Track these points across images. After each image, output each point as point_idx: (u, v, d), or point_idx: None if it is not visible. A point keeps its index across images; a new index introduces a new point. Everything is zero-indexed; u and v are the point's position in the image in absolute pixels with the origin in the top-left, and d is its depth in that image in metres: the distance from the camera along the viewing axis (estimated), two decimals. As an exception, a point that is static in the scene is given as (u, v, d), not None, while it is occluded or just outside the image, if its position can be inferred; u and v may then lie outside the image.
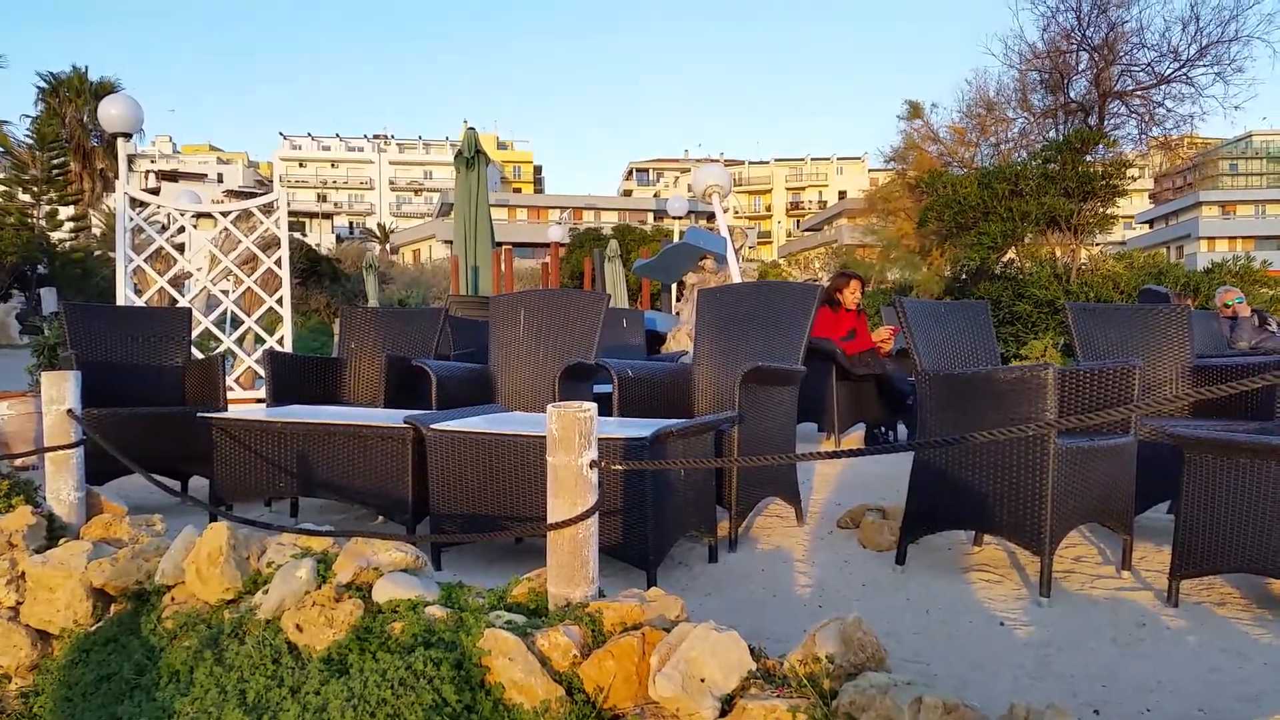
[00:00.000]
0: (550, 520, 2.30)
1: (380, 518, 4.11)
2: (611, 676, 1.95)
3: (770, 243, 75.52)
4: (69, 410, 3.50)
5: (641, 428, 3.04)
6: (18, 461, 5.15)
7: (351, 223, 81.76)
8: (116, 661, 2.63)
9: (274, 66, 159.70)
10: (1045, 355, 12.64)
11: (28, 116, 35.67)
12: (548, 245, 20.56)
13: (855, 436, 6.01)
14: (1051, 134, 20.69)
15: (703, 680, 1.86)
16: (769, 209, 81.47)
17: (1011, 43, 31.74)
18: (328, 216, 79.63)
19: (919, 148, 26.07)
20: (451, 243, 14.06)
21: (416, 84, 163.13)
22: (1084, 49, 20.34)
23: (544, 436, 3.05)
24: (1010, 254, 17.40)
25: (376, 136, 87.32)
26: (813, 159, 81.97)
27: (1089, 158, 16.10)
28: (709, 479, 3.44)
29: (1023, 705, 1.79)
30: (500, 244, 14.05)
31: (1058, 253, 16.75)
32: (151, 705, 2.31)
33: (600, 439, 2.39)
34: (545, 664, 2.02)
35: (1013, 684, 2.31)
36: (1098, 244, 18.87)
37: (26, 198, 34.10)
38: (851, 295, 6.20)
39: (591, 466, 2.29)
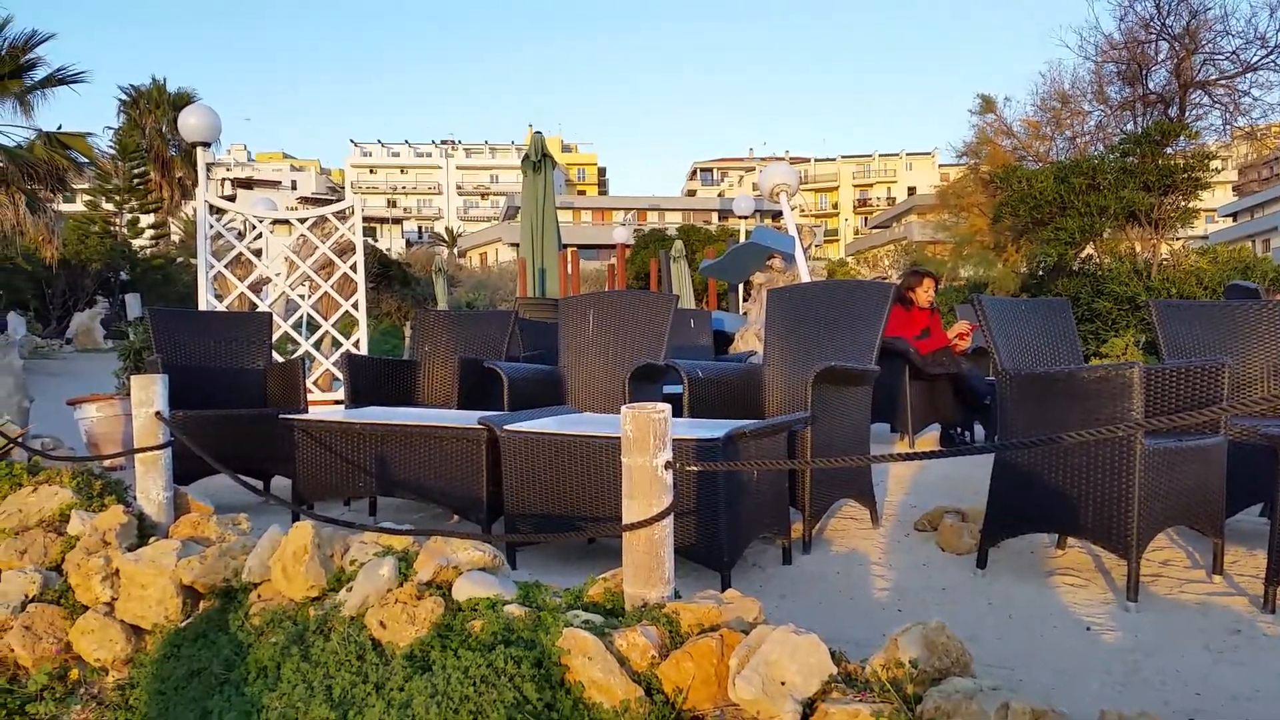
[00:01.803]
0: (626, 521, 2.31)
1: (455, 517, 4.17)
2: (690, 678, 1.94)
3: (837, 240, 74.65)
4: (157, 412, 3.62)
5: (713, 429, 3.04)
6: (107, 462, 5.35)
7: (420, 227, 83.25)
8: (206, 657, 2.71)
9: (345, 74, 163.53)
10: (1126, 353, 12.26)
11: (110, 128, 37.07)
12: (613, 247, 20.64)
13: (930, 437, 5.90)
14: (1130, 126, 20.04)
15: (783, 683, 1.84)
16: (835, 206, 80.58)
17: (1087, 34, 30.90)
18: (397, 222, 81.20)
19: (992, 142, 25.46)
20: (518, 245, 14.21)
21: (482, 89, 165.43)
22: (1164, 38, 19.66)
23: (616, 438, 3.08)
24: (1088, 250, 16.91)
25: (444, 142, 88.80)
26: (880, 155, 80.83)
27: (1169, 150, 15.55)
28: (782, 480, 3.41)
29: (1114, 712, 1.74)
30: (566, 246, 14.16)
31: (1138, 248, 16.21)
32: (240, 700, 2.39)
33: (673, 440, 2.39)
34: (624, 664, 2.02)
35: (1101, 691, 2.24)
36: (1179, 238, 18.21)
37: (110, 207, 35.49)
38: (925, 293, 6.09)
39: (666, 468, 2.29)
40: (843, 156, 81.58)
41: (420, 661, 2.20)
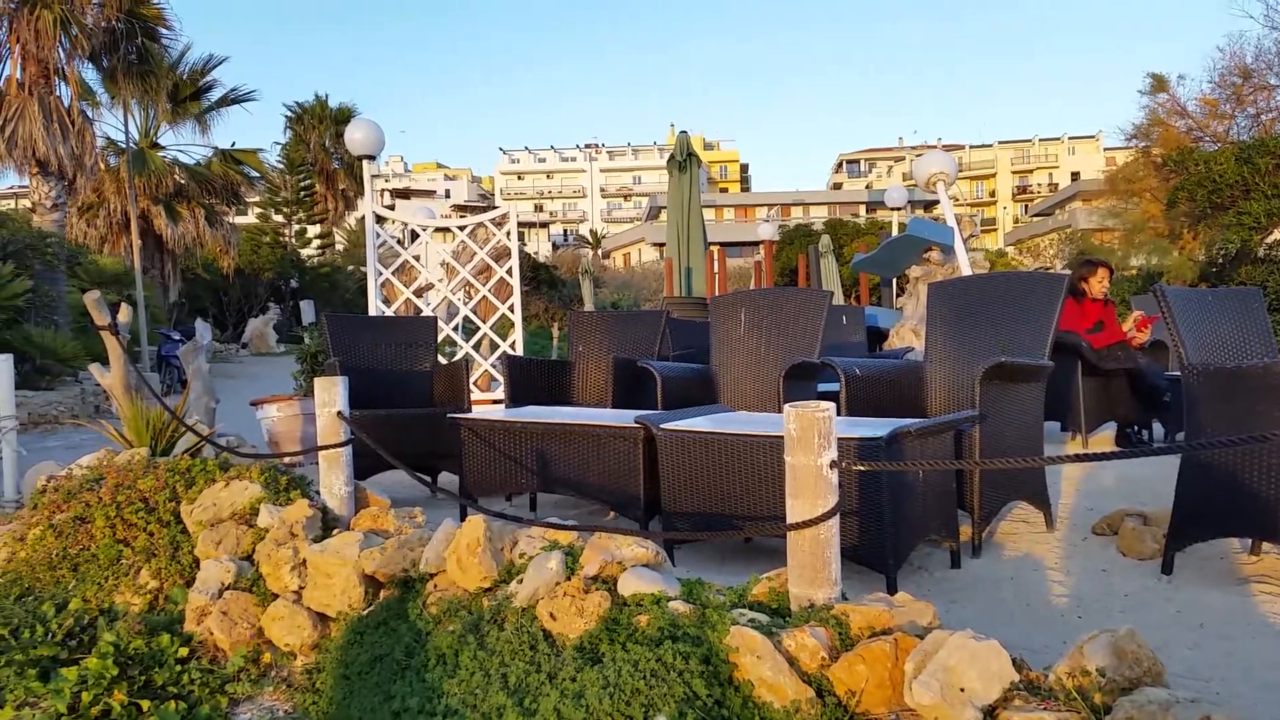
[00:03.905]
0: (790, 520, 2.29)
1: (612, 513, 4.24)
2: (863, 681, 1.91)
3: (995, 230, 71.58)
4: (339, 412, 3.85)
5: (875, 427, 2.97)
6: (286, 460, 5.72)
7: (565, 230, 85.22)
8: (387, 643, 2.87)
9: (493, 84, 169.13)
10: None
11: (278, 143, 39.69)
12: (756, 244, 20.50)
13: (1104, 436, 5.58)
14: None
15: (962, 690, 1.79)
16: (993, 194, 77.29)
17: (1274, 1, 28.37)
18: (544, 225, 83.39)
19: (1164, 123, 23.81)
20: (662, 245, 14.31)
21: (625, 91, 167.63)
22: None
23: (774, 436, 3.06)
24: (1276, 234, 15.58)
25: (588, 146, 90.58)
26: (1040, 140, 76.99)
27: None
28: (949, 481, 3.30)
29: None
30: (710, 244, 14.17)
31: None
32: (421, 685, 2.51)
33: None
34: (792, 664, 2.01)
35: (1312, 709, 2.07)
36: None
37: (279, 218, 38.01)
38: (1099, 284, 5.75)
39: (831, 467, 2.26)
40: (1000, 142, 78.17)
41: (590, 653, 2.25)
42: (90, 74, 18.21)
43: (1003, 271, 5.15)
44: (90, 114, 17.81)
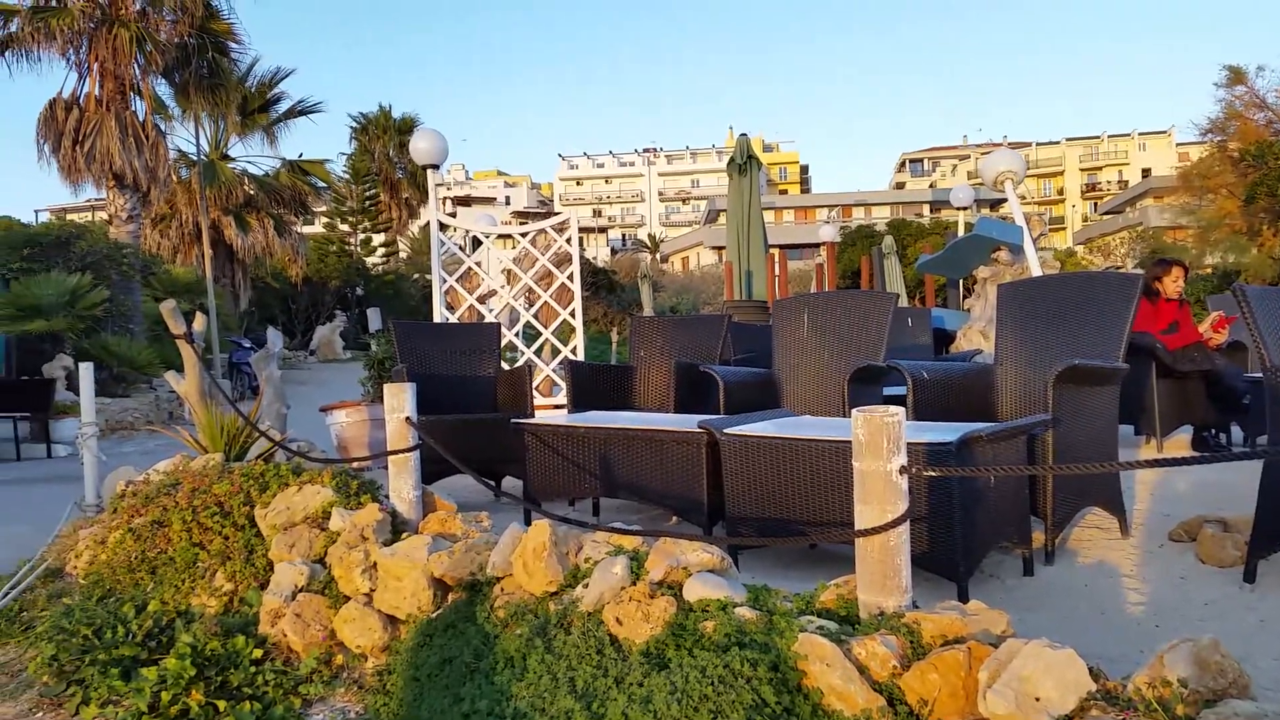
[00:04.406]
0: (859, 526, 2.27)
1: (675, 518, 4.25)
2: (936, 690, 1.89)
3: (1064, 229, 69.88)
4: (407, 418, 3.92)
5: (944, 432, 2.93)
6: (354, 464, 5.84)
7: (624, 235, 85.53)
8: (456, 646, 2.90)
9: (552, 90, 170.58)
10: None
11: (343, 154, 40.53)
12: (817, 245, 20.35)
13: (1180, 440, 5.41)
14: None
15: (1038, 699, 1.75)
16: (1061, 192, 75.48)
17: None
18: (602, 231, 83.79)
19: (1242, 116, 23.02)
20: (721, 249, 14.29)
21: (682, 94, 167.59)
22: None
23: (839, 441, 3.04)
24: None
25: (646, 150, 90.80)
26: (1110, 136, 74.95)
27: None
28: (1021, 487, 3.24)
29: None
30: (770, 247, 14.09)
31: None
32: (490, 688, 2.54)
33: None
34: (863, 672, 1.99)
35: None
36: None
37: (345, 227, 38.80)
38: (1173, 284, 5.58)
39: (901, 472, 2.23)
40: (1067, 139, 76.27)
41: (656, 658, 2.26)
42: (163, 89, 18.83)
43: (1075, 271, 5.00)
44: (163, 127, 18.39)
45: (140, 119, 17.30)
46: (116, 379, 14.49)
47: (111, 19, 16.52)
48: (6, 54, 16.55)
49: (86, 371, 5.41)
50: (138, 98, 17.53)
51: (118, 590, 4.06)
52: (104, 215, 19.63)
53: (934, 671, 1.90)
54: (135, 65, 16.92)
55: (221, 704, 3.08)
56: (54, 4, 16.53)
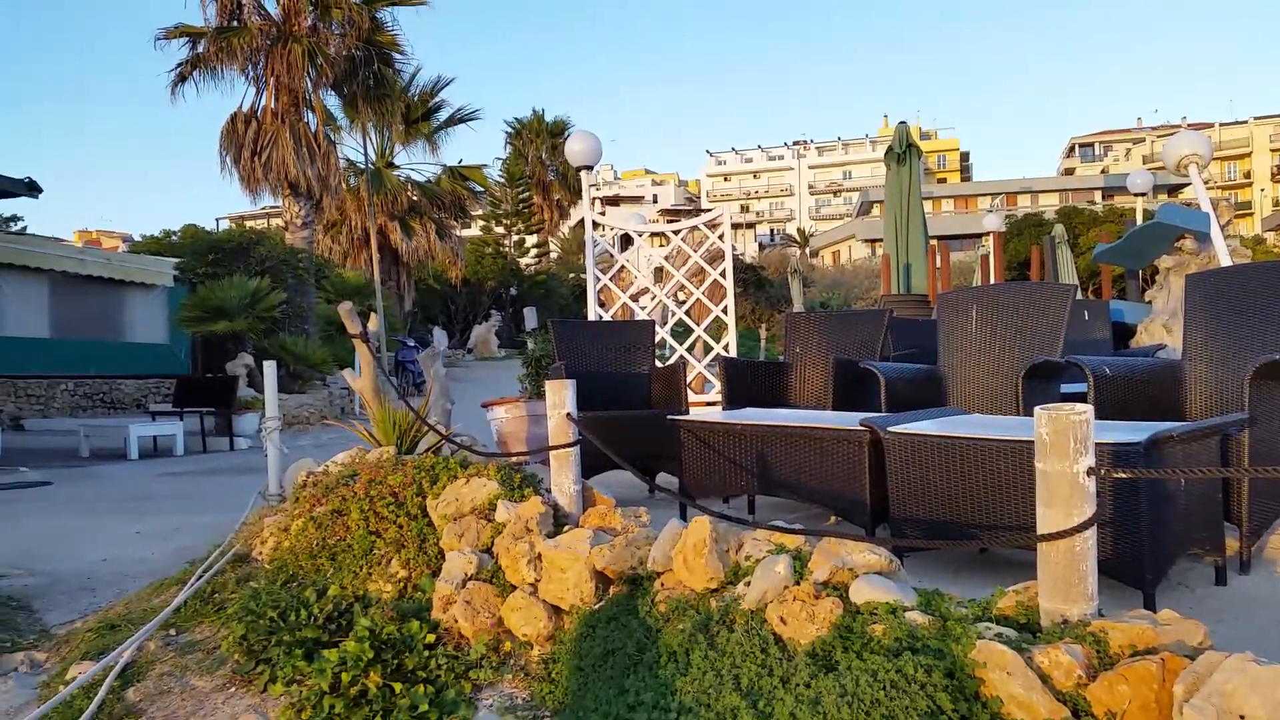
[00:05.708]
0: (1041, 530, 2.15)
1: (834, 518, 4.16)
2: (1125, 702, 1.77)
3: (1251, 214, 64.36)
4: (568, 414, 4.00)
5: (1129, 431, 2.74)
6: (514, 458, 6.01)
7: (772, 230, 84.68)
8: (619, 638, 2.94)
9: (699, 86, 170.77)
10: None
11: (499, 159, 41.95)
12: (979, 236, 19.48)
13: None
14: None
15: (1242, 717, 1.62)
16: (1248, 175, 69.58)
17: None
18: (750, 226, 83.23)
19: None
20: (873, 241, 13.93)
21: (833, 84, 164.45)
22: None
23: (1016, 440, 2.89)
24: None
25: (795, 143, 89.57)
26: (1305, 111, 68.55)
27: None
28: (1213, 491, 2.99)
29: None
30: (929, 238, 13.61)
31: None
32: (654, 681, 2.56)
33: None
34: (1045, 682, 1.89)
35: None
36: None
37: (499, 229, 40.15)
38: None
39: (1089, 474, 2.10)
40: (1255, 118, 70.23)
41: (823, 660, 2.21)
42: (332, 101, 20.02)
43: (1271, 261, 4.56)
44: (333, 138, 19.54)
45: (312, 130, 18.45)
46: (293, 376, 15.51)
47: (286, 35, 17.67)
48: (195, 73, 17.98)
49: (270, 369, 5.77)
50: (309, 110, 18.71)
51: (300, 575, 4.31)
52: (279, 222, 21.06)
53: (1124, 683, 1.78)
54: (307, 78, 18.05)
55: (397, 686, 3.22)
56: (234, 24, 17.81)
